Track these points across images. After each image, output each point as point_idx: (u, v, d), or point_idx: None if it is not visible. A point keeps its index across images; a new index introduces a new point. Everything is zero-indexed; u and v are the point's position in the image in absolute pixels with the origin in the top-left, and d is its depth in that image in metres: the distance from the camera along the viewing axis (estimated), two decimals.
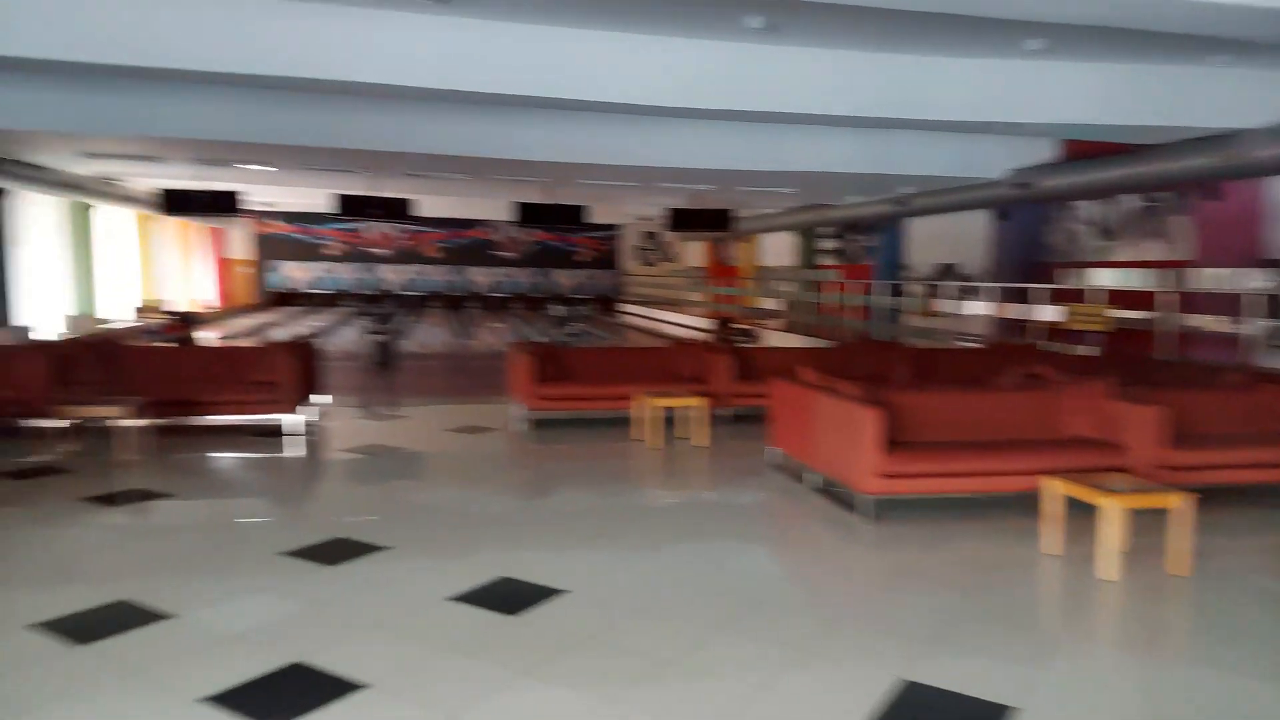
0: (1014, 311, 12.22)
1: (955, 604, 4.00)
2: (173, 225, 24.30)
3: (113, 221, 20.05)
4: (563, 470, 6.82)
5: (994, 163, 12.62)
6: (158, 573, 4.18)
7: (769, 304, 21.44)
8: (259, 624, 3.57)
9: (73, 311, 17.45)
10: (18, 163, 13.52)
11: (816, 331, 17.46)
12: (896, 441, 5.39)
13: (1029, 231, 14.83)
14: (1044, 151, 12.10)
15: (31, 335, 13.57)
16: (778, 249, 24.01)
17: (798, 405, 6.10)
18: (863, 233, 20.18)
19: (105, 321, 18.07)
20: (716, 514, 5.55)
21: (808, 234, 21.64)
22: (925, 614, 3.88)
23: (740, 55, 8.52)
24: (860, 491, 5.24)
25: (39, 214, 16.93)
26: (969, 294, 14.42)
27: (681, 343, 9.33)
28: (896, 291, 16.34)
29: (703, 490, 6.24)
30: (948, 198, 14.26)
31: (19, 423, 7.19)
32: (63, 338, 13.20)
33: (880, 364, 9.06)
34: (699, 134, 11.82)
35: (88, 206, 17.99)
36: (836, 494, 5.79)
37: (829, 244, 21.92)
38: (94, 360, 7.46)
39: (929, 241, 17.54)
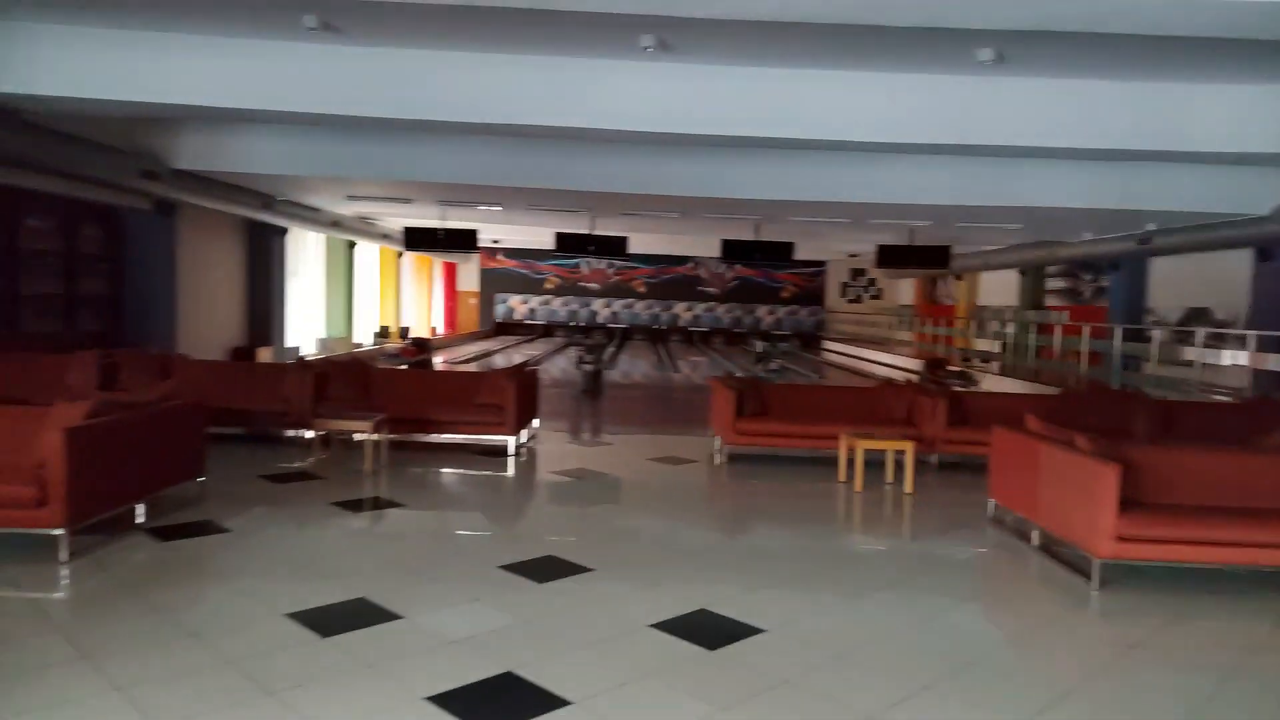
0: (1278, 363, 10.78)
1: (1204, 688, 3.56)
2: (412, 259, 26.79)
3: (369, 255, 22.47)
4: (762, 507, 6.77)
5: (1258, 197, 11.30)
6: (390, 575, 4.58)
7: (984, 345, 20.23)
8: (476, 632, 3.81)
9: (323, 335, 19.62)
10: (296, 204, 15.48)
11: (1039, 377, 16.26)
12: (1135, 501, 4.91)
13: None
14: None
15: (300, 355, 15.52)
16: (997, 287, 22.66)
17: (1022, 455, 5.71)
18: (1097, 271, 18.64)
19: (360, 345, 20.21)
20: (925, 565, 5.28)
21: (1033, 272, 20.26)
22: (1169, 696, 3.49)
23: (969, 89, 8.22)
24: (1091, 554, 4.80)
25: (310, 249, 19.28)
26: (1223, 342, 12.89)
27: (890, 383, 9.01)
28: (1135, 336, 14.90)
29: (910, 539, 5.95)
30: (1201, 235, 12.89)
31: (283, 432, 8.18)
32: (318, 358, 14.84)
33: (1115, 415, 8.28)
34: (920, 169, 11.49)
35: (352, 243, 20.26)
36: (1061, 554, 5.35)
37: (1057, 283, 20.42)
38: (345, 379, 8.33)
39: (1176, 282, 15.89)
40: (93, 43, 7.46)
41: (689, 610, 4.17)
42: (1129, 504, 4.80)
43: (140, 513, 5.26)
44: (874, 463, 7.66)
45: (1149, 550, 4.75)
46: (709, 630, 3.95)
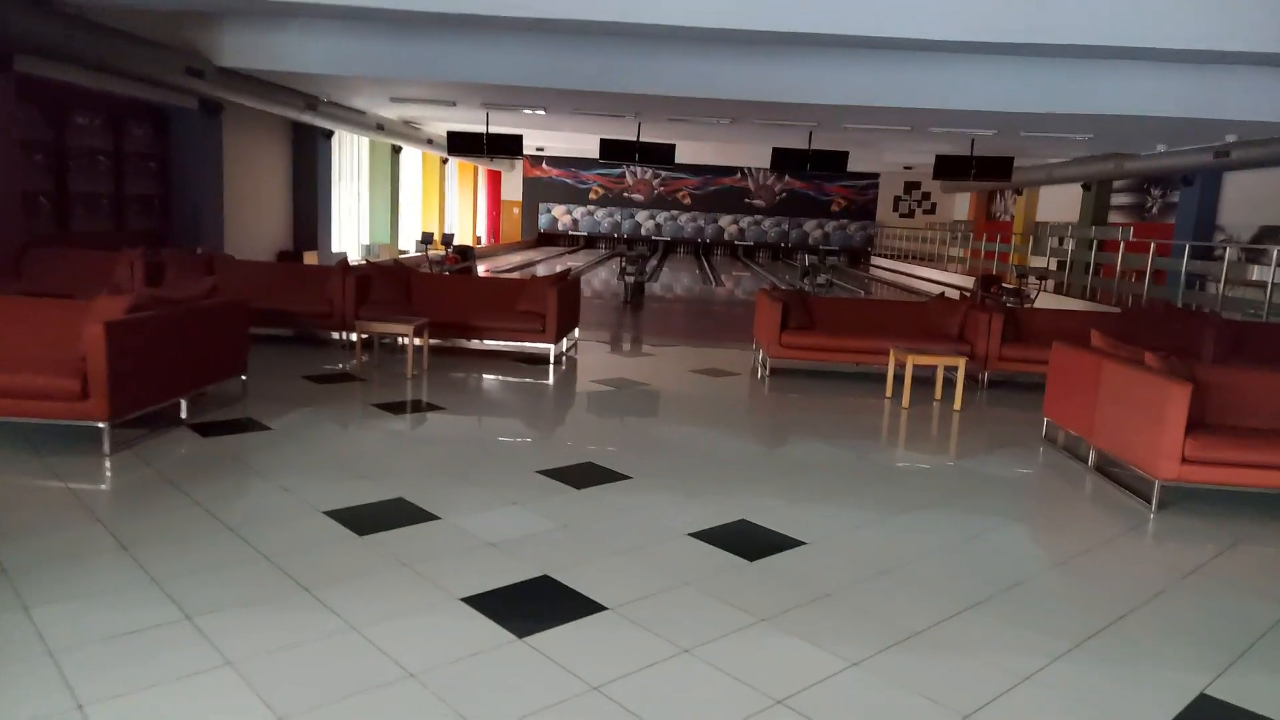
0: None
1: (1264, 615, 3.40)
2: (456, 167, 26.51)
3: (411, 162, 22.24)
4: (806, 421, 6.63)
5: None
6: (429, 477, 4.56)
7: (1042, 263, 19.53)
8: (514, 536, 3.78)
9: (367, 240, 19.62)
10: (341, 106, 15.24)
11: (1097, 296, 15.68)
12: (1200, 423, 4.67)
13: None
14: None
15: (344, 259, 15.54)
16: (1059, 203, 21.75)
17: (1082, 373, 5.45)
18: (1167, 186, 17.72)
19: (405, 252, 20.22)
20: (975, 484, 5.12)
21: (1099, 187, 19.35)
22: (1228, 622, 3.34)
23: None
24: (1152, 475, 4.59)
25: (355, 154, 19.12)
26: None
27: (943, 297, 8.70)
28: (1204, 255, 14.21)
29: (961, 458, 5.76)
30: None
31: (327, 334, 8.20)
32: (361, 263, 14.84)
33: (1181, 336, 7.92)
34: (986, 72, 10.85)
35: (398, 148, 20.03)
36: (1116, 475, 5.16)
37: (1123, 199, 19.50)
38: (387, 284, 8.27)
39: (1253, 199, 15.03)
40: None
41: (729, 520, 4.09)
42: (1195, 425, 4.56)
43: (183, 408, 5.30)
44: (922, 380, 7.45)
45: (1213, 473, 4.52)
46: (749, 541, 3.86)
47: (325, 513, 3.91)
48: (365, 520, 3.85)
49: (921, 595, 3.42)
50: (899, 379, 7.17)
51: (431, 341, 7.64)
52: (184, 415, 5.29)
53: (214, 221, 12.80)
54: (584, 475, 4.69)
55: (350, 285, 7.94)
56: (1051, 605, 3.42)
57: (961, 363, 6.88)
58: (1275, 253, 11.39)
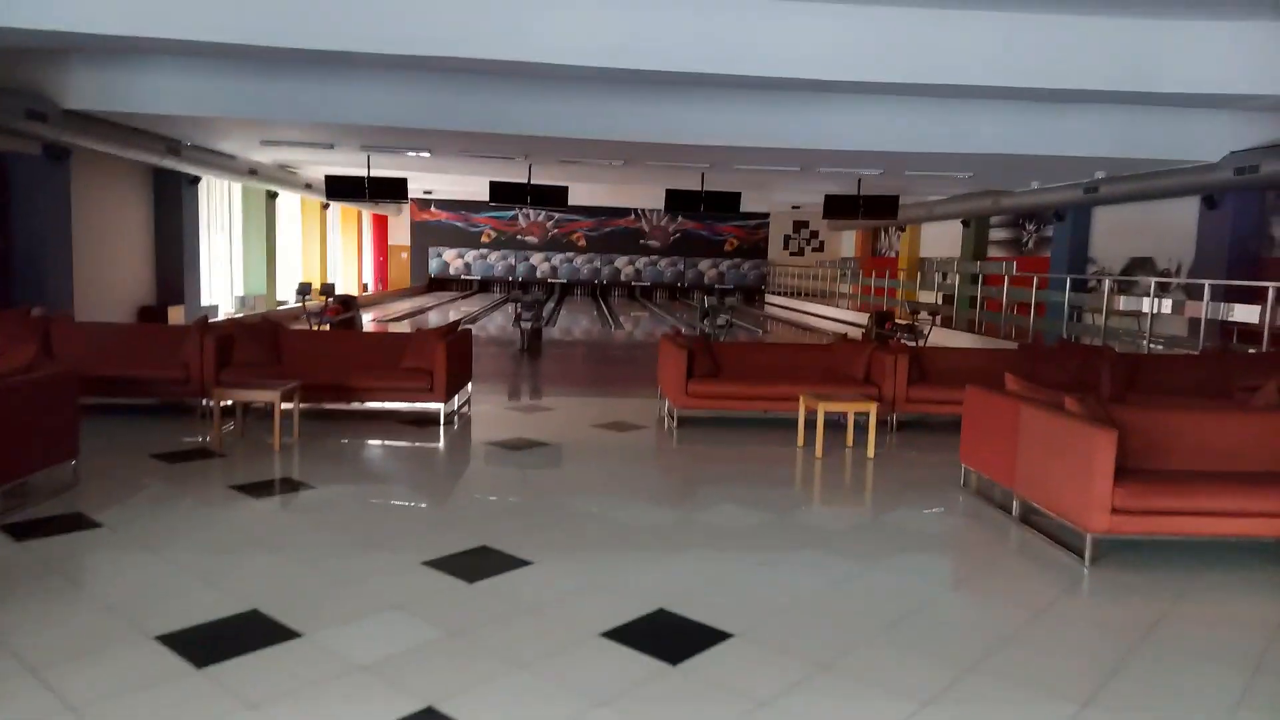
0: (1235, 313, 10.63)
1: (1232, 681, 3.14)
2: (340, 212, 25.43)
3: (289, 208, 21.11)
4: (720, 478, 6.23)
5: (1211, 143, 11.07)
6: (291, 578, 3.89)
7: (928, 298, 20.04)
8: (391, 652, 3.16)
9: (241, 292, 18.41)
10: (207, 150, 14.23)
11: (986, 330, 16.09)
12: (1126, 469, 4.49)
13: (1245, 221, 12.95)
14: (1274, 130, 10.48)
15: (219, 316, 14.37)
16: (941, 239, 22.48)
17: (999, 418, 5.25)
18: (1041, 221, 18.48)
19: (283, 303, 19.04)
20: (902, 543, 4.79)
21: (977, 223, 20.07)
22: (1203, 690, 3.06)
23: (927, 23, 7.69)
24: (1083, 529, 4.36)
25: (227, 200, 17.95)
26: (1167, 291, 12.80)
27: (846, 340, 8.53)
28: (1078, 287, 14.76)
29: (882, 512, 5.43)
30: (1149, 183, 12.68)
31: (186, 401, 7.32)
32: (231, 318, 13.80)
33: (1077, 370, 7.96)
34: (871, 113, 10.94)
35: (274, 194, 18.94)
36: (1042, 525, 4.93)
37: (1000, 234, 20.26)
38: (253, 343, 7.49)
39: (1120, 231, 15.77)
40: None
41: (646, 611, 3.59)
42: (1121, 472, 4.37)
43: None
44: (832, 424, 7.19)
45: (1146, 523, 4.33)
46: (669, 636, 3.38)
47: (157, 638, 3.21)
48: (208, 644, 3.17)
49: (870, 691, 3.00)
50: (810, 424, 6.89)
51: (304, 406, 6.91)
52: None
53: (61, 278, 11.59)
54: (477, 563, 4.11)
55: (209, 346, 7.12)
56: (1016, 689, 3.05)
57: (873, 408, 6.65)
58: (1152, 284, 11.84)
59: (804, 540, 4.70)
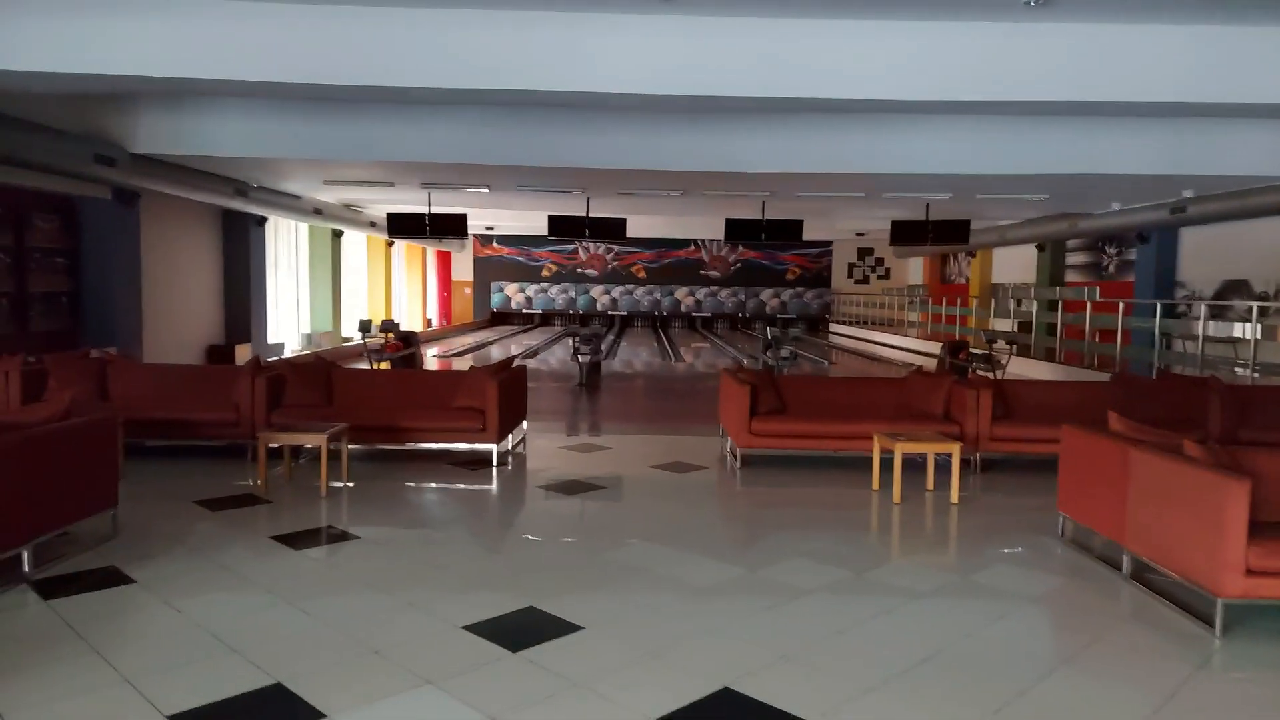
0: None
1: None
2: (404, 249, 25.76)
3: (355, 246, 21.43)
4: (788, 527, 5.76)
5: None
6: (323, 648, 3.58)
7: (1001, 325, 19.20)
8: None
9: (308, 330, 18.63)
10: (273, 191, 14.45)
11: (1067, 359, 15.26)
12: (1261, 523, 3.92)
13: None
14: None
15: (286, 354, 14.45)
16: (1014, 264, 21.62)
17: (1101, 461, 4.71)
18: (1122, 244, 17.59)
19: (349, 340, 19.23)
20: (1000, 608, 4.24)
21: (1053, 247, 19.22)
22: None
23: (1001, 37, 7.22)
24: (1213, 593, 3.80)
25: (294, 239, 18.27)
26: (1267, 315, 11.90)
27: (921, 372, 8.01)
28: (1167, 312, 13.88)
29: (973, 571, 4.84)
30: (1242, 202, 11.84)
31: (239, 443, 7.19)
32: (282, 358, 13.85)
33: (1180, 405, 7.29)
34: (939, 135, 10.46)
35: (339, 232, 19.23)
36: (1158, 585, 4.37)
37: (1078, 258, 19.36)
38: (305, 384, 7.34)
39: (1210, 253, 14.84)
40: (25, 6, 6.43)
41: (709, 692, 3.18)
42: (1253, 526, 3.81)
43: (25, 559, 4.26)
44: (910, 463, 6.68)
45: None
46: None
47: (171, 717, 2.93)
48: None
49: None
50: (886, 465, 6.40)
51: (353, 447, 6.70)
52: (27, 568, 4.26)
53: (131, 318, 11.78)
54: (523, 628, 3.76)
55: (260, 387, 6.98)
56: None
57: (956, 449, 6.12)
58: (1254, 308, 11.00)
59: (886, 606, 4.21)
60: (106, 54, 6.81)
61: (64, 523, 4.56)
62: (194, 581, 4.34)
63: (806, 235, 18.81)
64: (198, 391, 7.35)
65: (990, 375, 11.92)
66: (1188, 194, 12.79)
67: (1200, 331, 12.10)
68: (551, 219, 16.05)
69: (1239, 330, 11.66)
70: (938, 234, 15.73)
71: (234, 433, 7.05)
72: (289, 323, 18.00)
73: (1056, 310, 17.08)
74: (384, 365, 13.52)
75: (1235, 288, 14.13)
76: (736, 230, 16.32)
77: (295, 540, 5.05)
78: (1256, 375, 10.71)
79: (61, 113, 9.44)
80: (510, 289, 32.04)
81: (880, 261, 31.46)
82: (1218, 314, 13.27)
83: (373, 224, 19.57)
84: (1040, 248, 19.42)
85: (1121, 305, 13.72)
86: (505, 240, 31.20)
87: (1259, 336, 10.90)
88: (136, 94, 9.85)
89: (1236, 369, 11.51)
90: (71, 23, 6.61)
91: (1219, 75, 7.34)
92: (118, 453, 5.06)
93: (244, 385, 7.05)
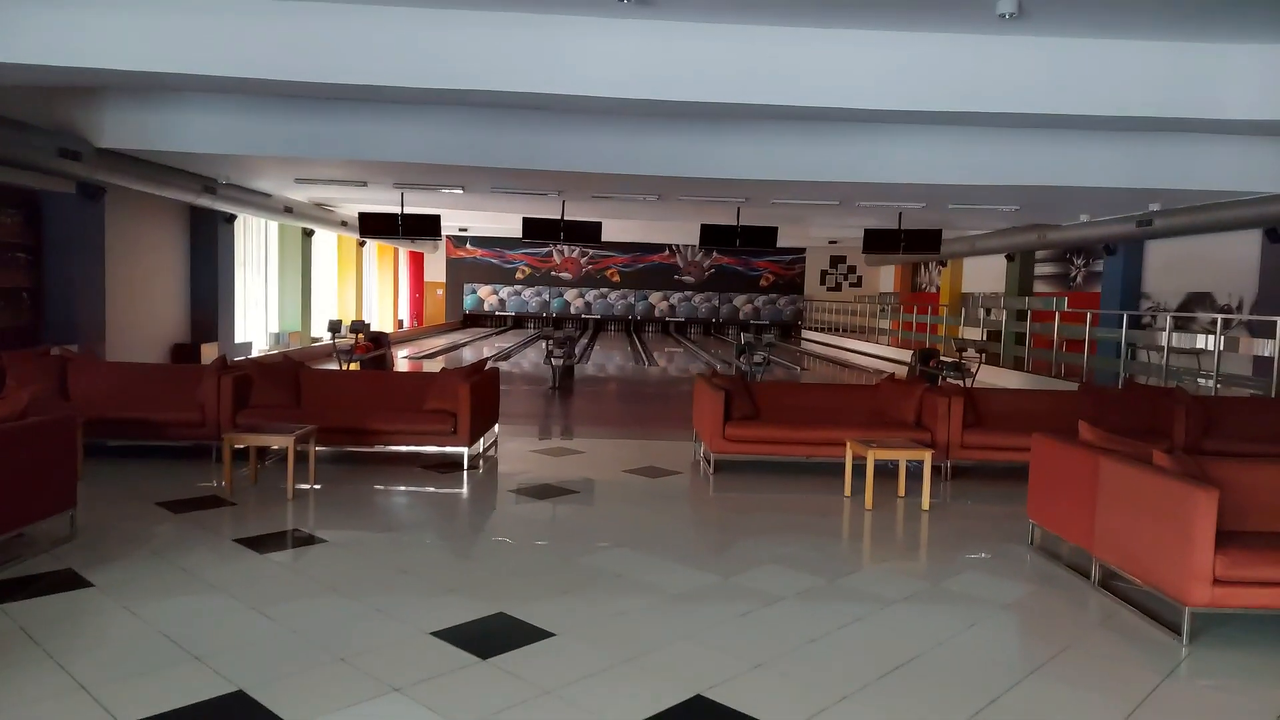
0: None
1: None
2: (376, 249, 25.50)
3: (326, 245, 21.18)
4: (761, 533, 5.74)
5: (1274, 173, 10.49)
6: (287, 651, 3.51)
7: (971, 334, 19.42)
8: None
9: (276, 329, 18.37)
10: (242, 189, 14.23)
11: (1034, 368, 15.46)
12: (1226, 533, 3.96)
13: None
14: None
15: (253, 353, 14.20)
16: (984, 274, 21.87)
17: (1070, 470, 4.75)
18: (1090, 256, 17.85)
19: (318, 340, 18.99)
20: (971, 614, 4.23)
21: (1021, 257, 19.46)
22: None
23: (977, 49, 7.30)
24: (1181, 602, 3.84)
25: (263, 238, 18.01)
26: (1231, 328, 12.12)
27: (893, 379, 8.05)
28: (1132, 324, 14.10)
29: (944, 578, 4.84)
30: (1208, 216, 12.07)
31: (204, 443, 7.04)
32: (248, 358, 13.64)
33: (1147, 414, 7.40)
34: (915, 145, 10.56)
35: (310, 231, 18.99)
36: (1126, 592, 4.41)
37: (1046, 268, 19.62)
38: (272, 384, 7.21)
39: (1175, 266, 15.12)
40: None
41: (680, 699, 3.15)
42: (1220, 536, 3.85)
43: None
44: (881, 469, 6.70)
45: (1254, 596, 3.79)
46: None
47: None
48: None
49: None
50: (858, 471, 6.41)
51: (320, 449, 6.59)
52: None
53: (93, 315, 11.52)
54: (493, 634, 3.70)
55: (226, 387, 6.85)
56: None
57: (928, 456, 6.15)
58: (1218, 320, 11.20)
59: (858, 612, 4.20)
60: (75, 47, 6.66)
61: (19, 524, 4.43)
62: (154, 585, 4.23)
63: (780, 242, 18.91)
64: (162, 391, 7.19)
65: (961, 383, 12.03)
66: (1154, 207, 13.02)
67: (1165, 342, 12.29)
68: (526, 221, 15.99)
69: (1202, 342, 11.85)
70: (910, 243, 15.87)
71: (199, 433, 6.91)
72: (257, 322, 17.73)
73: (1025, 320, 17.31)
74: (354, 366, 13.36)
75: (1199, 300, 14.39)
76: (711, 236, 16.35)
77: (260, 544, 4.95)
78: (1219, 386, 10.90)
79: (26, 105, 9.23)
80: (483, 291, 31.86)
81: (853, 269, 31.71)
82: (1182, 325, 13.50)
83: (344, 223, 19.35)
84: (1010, 258, 19.67)
85: (1089, 316, 13.91)
86: (479, 242, 31.02)
87: (1222, 348, 11.08)
88: (104, 87, 9.66)
89: (1200, 380, 11.70)
90: (39, 15, 6.46)
91: (1190, 91, 7.47)
92: (77, 452, 4.93)
93: (209, 385, 6.91)
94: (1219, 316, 11.47)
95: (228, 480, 6.05)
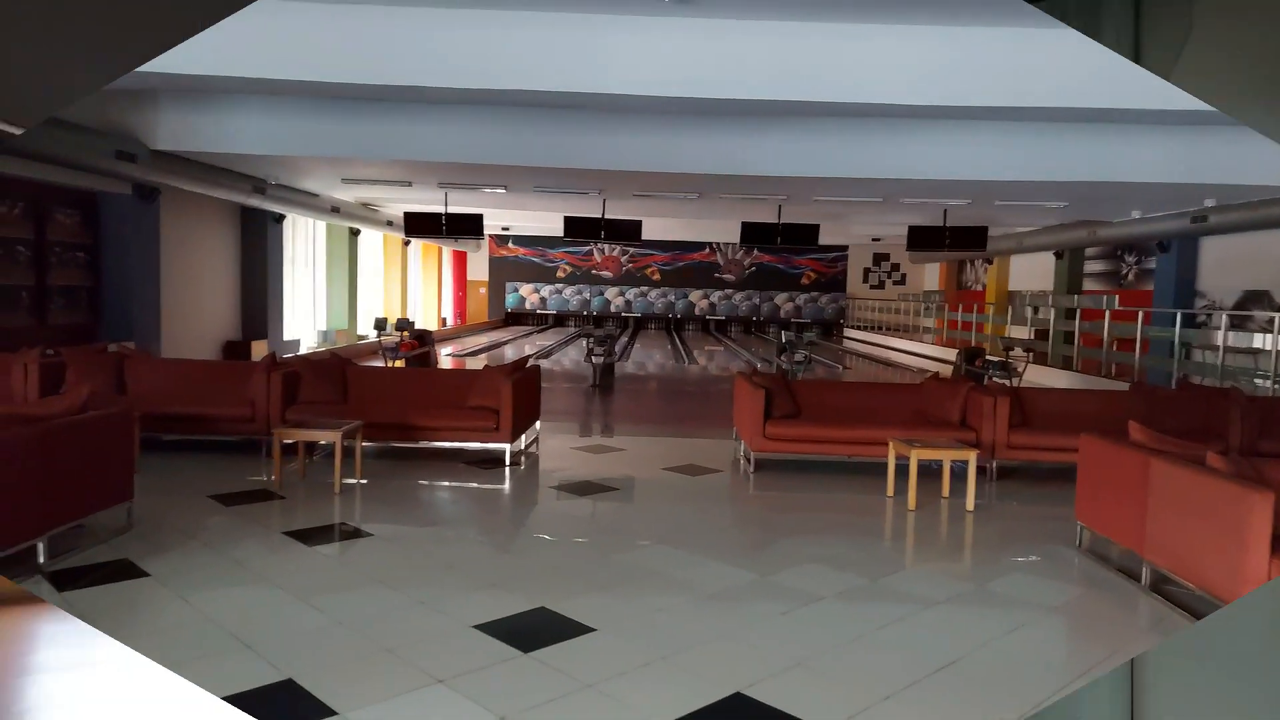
0: None
1: None
2: (420, 248, 25.84)
3: (372, 244, 21.53)
4: (802, 532, 5.72)
5: None
6: (334, 642, 3.59)
7: (1018, 333, 19.07)
8: None
9: (323, 327, 18.71)
10: (291, 189, 14.53)
11: (1083, 367, 15.14)
12: (1275, 536, 3.85)
13: None
14: None
15: (301, 350, 14.48)
16: (1032, 272, 21.45)
17: (1120, 471, 4.65)
18: (1141, 253, 17.42)
19: (364, 337, 19.31)
20: (1017, 617, 4.19)
21: (1070, 255, 19.06)
22: None
23: (1025, 42, 7.17)
24: None
25: (311, 237, 18.36)
26: None
27: (937, 378, 7.95)
28: (1186, 322, 13.73)
29: (989, 579, 4.78)
30: (1266, 212, 11.71)
31: (254, 438, 7.21)
32: (297, 355, 13.90)
33: (1201, 415, 7.21)
34: (960, 141, 10.40)
35: (356, 231, 19.32)
36: (1178, 597, 4.31)
37: (1096, 266, 19.19)
38: (320, 381, 7.36)
39: (1231, 263, 14.67)
40: None
41: (720, 696, 3.16)
42: (1277, 539, 3.75)
43: (40, 551, 4.28)
44: (925, 470, 6.63)
45: None
46: None
47: None
48: None
49: None
50: (901, 471, 6.35)
51: (366, 444, 6.71)
52: (42, 559, 4.29)
53: (149, 313, 11.86)
54: (534, 629, 3.74)
55: (276, 384, 7.01)
56: None
57: (973, 456, 6.07)
58: (1276, 319, 10.87)
59: (900, 613, 4.17)
60: None
61: (79, 515, 4.59)
62: (207, 576, 4.35)
63: (822, 240, 18.75)
64: (214, 387, 7.38)
65: (1007, 382, 11.84)
66: (1209, 203, 12.67)
67: (1220, 342, 11.96)
68: (567, 220, 16.07)
69: (1259, 341, 11.51)
70: (955, 240, 15.64)
71: (249, 428, 7.08)
72: (305, 320, 18.08)
73: (1074, 318, 16.95)
74: (399, 363, 13.56)
75: (1256, 298, 13.97)
76: (752, 233, 16.28)
77: (308, 536, 5.06)
78: (1277, 387, 10.58)
79: (83, 109, 9.52)
80: (525, 289, 32.10)
81: (896, 267, 31.32)
82: (1238, 324, 13.12)
83: (390, 223, 19.63)
84: (1058, 255, 19.27)
85: (1141, 314, 13.58)
86: (521, 241, 31.26)
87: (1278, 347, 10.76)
88: (158, 91, 9.93)
89: (1257, 380, 11.37)
90: None
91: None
92: (134, 446, 5.09)
93: (259, 381, 7.07)
94: (1277, 315, 11.12)
95: (277, 474, 6.19)
